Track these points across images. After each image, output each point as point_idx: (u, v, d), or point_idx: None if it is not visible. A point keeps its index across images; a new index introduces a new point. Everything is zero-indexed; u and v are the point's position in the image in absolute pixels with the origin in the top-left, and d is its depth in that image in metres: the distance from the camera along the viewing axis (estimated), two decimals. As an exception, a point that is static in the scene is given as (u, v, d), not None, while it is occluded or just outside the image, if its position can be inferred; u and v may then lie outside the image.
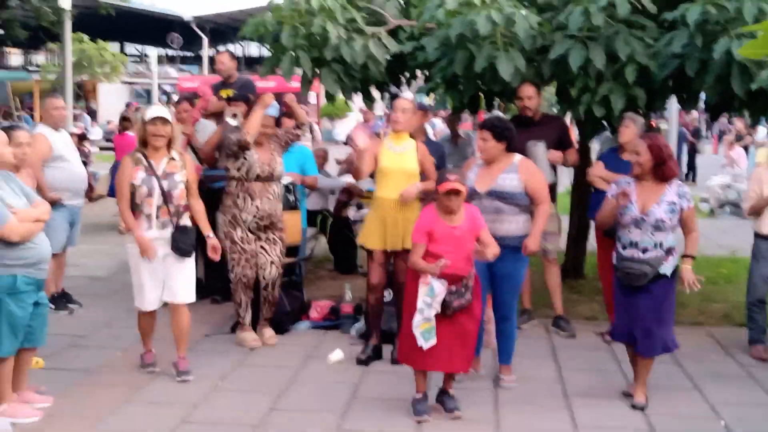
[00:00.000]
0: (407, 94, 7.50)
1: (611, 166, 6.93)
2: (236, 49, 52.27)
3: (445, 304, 5.15)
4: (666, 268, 5.45)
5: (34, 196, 5.31)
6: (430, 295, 5.14)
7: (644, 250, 5.42)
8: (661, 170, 5.45)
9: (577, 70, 6.62)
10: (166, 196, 5.85)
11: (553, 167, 7.12)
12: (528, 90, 7.03)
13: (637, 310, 5.48)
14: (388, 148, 6.39)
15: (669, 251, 5.46)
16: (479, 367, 6.03)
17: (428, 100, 10.08)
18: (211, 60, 50.91)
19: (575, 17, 6.50)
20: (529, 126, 7.00)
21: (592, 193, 7.47)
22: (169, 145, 5.93)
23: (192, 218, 6.04)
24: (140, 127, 5.92)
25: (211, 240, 6.09)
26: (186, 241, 5.88)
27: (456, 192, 5.14)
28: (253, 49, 56.68)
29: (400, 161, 6.33)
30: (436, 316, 5.17)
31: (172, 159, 5.93)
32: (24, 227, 4.98)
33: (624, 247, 5.50)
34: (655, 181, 5.48)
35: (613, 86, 6.77)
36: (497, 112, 8.07)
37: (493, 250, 5.24)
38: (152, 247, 5.79)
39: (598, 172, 7.07)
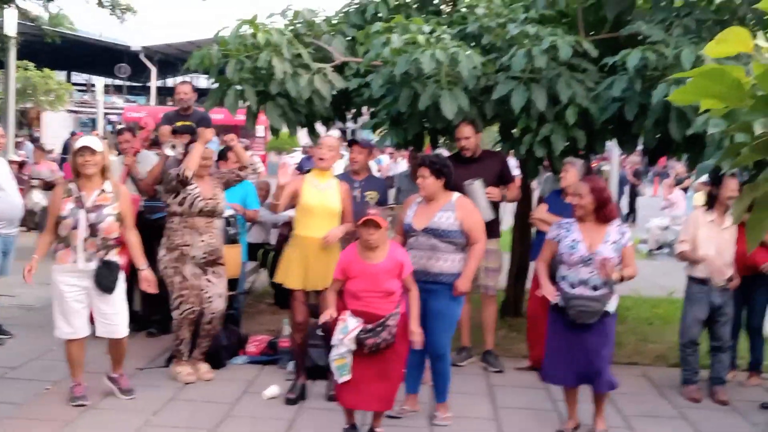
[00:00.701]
0: (334, 132, 7.53)
1: (555, 208, 7.02)
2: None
3: (358, 342, 5.15)
4: (611, 306, 5.55)
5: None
6: (344, 331, 5.17)
7: (595, 288, 5.49)
8: (602, 212, 5.56)
9: (519, 110, 6.71)
10: (93, 229, 5.76)
11: (494, 204, 7.16)
12: (465, 130, 7.09)
13: (586, 348, 5.53)
14: (311, 185, 6.37)
15: (612, 289, 5.56)
16: (416, 405, 6.01)
17: (374, 137, 10.12)
18: (159, 90, 50.68)
19: (518, 58, 6.59)
20: (468, 163, 7.07)
21: (535, 235, 7.54)
22: (104, 175, 5.85)
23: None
24: (71, 158, 5.86)
25: (144, 272, 6.02)
26: (109, 277, 5.80)
27: (373, 224, 5.16)
28: (202, 81, 56.60)
29: (323, 198, 6.33)
30: (355, 353, 5.17)
31: (103, 191, 5.85)
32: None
33: (573, 286, 5.54)
34: (597, 222, 5.58)
35: (554, 127, 6.88)
36: (442, 150, 8.11)
37: (415, 338, 5.35)
38: (32, 268, 5.75)
39: (540, 215, 7.16)
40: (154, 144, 8.52)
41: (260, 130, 30.52)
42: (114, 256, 5.87)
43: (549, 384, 6.21)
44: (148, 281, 6.03)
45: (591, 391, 5.77)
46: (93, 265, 5.78)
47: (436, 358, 5.90)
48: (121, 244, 5.92)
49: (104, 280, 5.77)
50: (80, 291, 5.84)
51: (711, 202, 6.66)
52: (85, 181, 5.84)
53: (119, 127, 12.04)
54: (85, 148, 5.81)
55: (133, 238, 6.01)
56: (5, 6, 20.86)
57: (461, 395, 6.31)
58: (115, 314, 5.91)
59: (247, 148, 22.58)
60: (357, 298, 5.23)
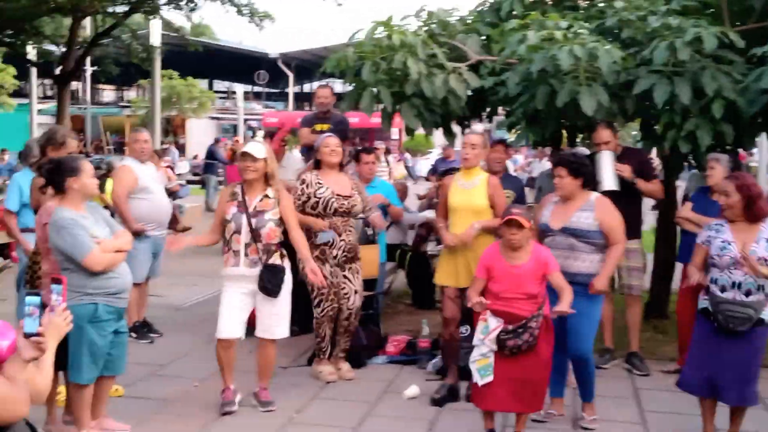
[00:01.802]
0: (477, 128, 7.46)
1: (700, 206, 6.75)
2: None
3: (499, 342, 5.07)
4: (766, 314, 5.15)
5: (117, 227, 5.42)
6: (484, 332, 5.10)
7: (747, 293, 5.11)
8: (752, 210, 5.19)
9: (662, 105, 6.49)
10: (255, 234, 5.88)
11: (636, 202, 6.98)
12: (604, 135, 6.87)
13: (731, 356, 5.17)
14: (458, 185, 6.36)
15: None
16: (562, 408, 5.91)
17: (510, 136, 10.03)
18: (296, 96, 51.80)
19: (660, 52, 6.38)
20: None
21: (681, 235, 7.29)
22: (268, 181, 5.98)
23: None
24: (238, 163, 6.04)
25: (309, 264, 6.11)
26: (273, 281, 5.87)
27: (516, 224, 5.07)
28: (338, 85, 57.53)
29: (469, 198, 6.30)
30: (495, 354, 5.09)
31: (266, 196, 5.95)
32: (106, 257, 5.07)
33: (723, 290, 5.17)
34: (747, 221, 5.22)
35: (699, 122, 6.61)
36: (582, 149, 7.93)
37: (564, 307, 5.15)
38: (179, 242, 6.08)
39: (685, 213, 6.89)
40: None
41: (394, 132, 30.77)
42: (277, 259, 5.94)
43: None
44: (314, 271, 6.10)
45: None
46: (257, 270, 5.86)
47: (578, 361, 5.77)
48: (278, 248, 5.99)
49: (268, 284, 5.85)
50: (243, 294, 5.95)
51: None
52: (248, 186, 5.97)
53: (260, 132, 12.34)
54: (247, 155, 5.93)
55: (298, 236, 6.07)
56: (151, 17, 21.80)
57: (606, 399, 6.15)
58: (277, 315, 5.99)
59: (388, 151, 22.87)
60: (499, 299, 5.16)
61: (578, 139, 8.00)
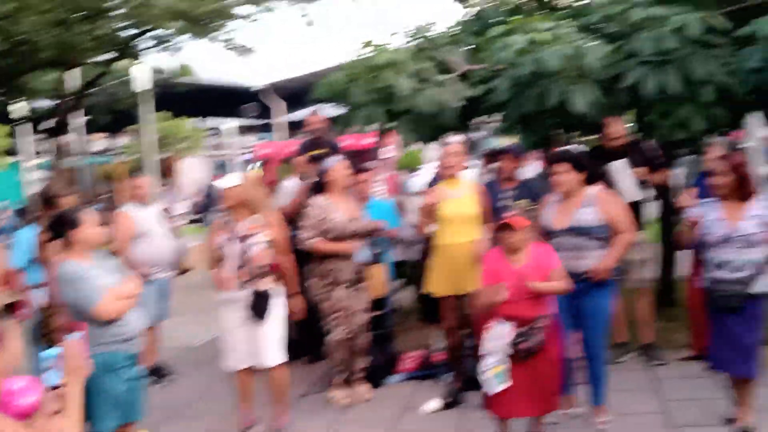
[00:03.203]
0: (455, 138, 7.45)
1: (703, 190, 6.74)
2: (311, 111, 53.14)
3: (513, 347, 5.04)
4: (760, 287, 5.24)
5: (125, 273, 5.42)
6: (496, 338, 5.06)
7: (736, 269, 5.24)
8: (743, 188, 5.32)
9: (653, 95, 6.50)
10: (244, 258, 5.91)
11: (643, 184, 6.95)
12: (617, 128, 6.88)
13: (730, 330, 5.30)
14: (447, 195, 6.35)
15: (760, 269, 5.24)
16: (575, 403, 5.88)
17: (502, 143, 10.02)
18: (291, 124, 51.87)
19: (647, 42, 6.41)
20: (614, 156, 6.87)
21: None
22: (251, 207, 6.01)
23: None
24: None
25: (292, 300, 6.11)
26: (261, 305, 5.91)
27: (508, 227, 5.06)
28: (329, 110, 57.54)
29: (459, 206, 6.29)
30: (509, 359, 5.07)
31: (254, 221, 6.01)
32: (116, 305, 5.05)
33: (717, 268, 5.32)
34: (738, 199, 5.34)
35: (692, 108, 6.62)
36: (575, 146, 7.93)
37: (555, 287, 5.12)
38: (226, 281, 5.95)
39: (686, 201, 6.87)
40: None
41: (386, 152, 30.82)
42: (267, 283, 5.98)
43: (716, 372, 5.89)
44: (295, 308, 6.12)
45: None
46: (247, 293, 5.91)
47: (590, 359, 5.74)
48: (276, 271, 6.03)
49: (255, 308, 5.90)
50: (240, 318, 5.98)
51: None
52: (235, 214, 6.05)
53: (255, 164, 12.35)
54: (227, 184, 6.06)
55: (286, 264, 6.12)
56: (136, 62, 21.89)
57: (625, 392, 6.13)
58: (268, 342, 5.99)
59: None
60: (507, 301, 5.14)
61: (572, 138, 8.00)
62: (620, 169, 6.57)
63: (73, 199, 6.78)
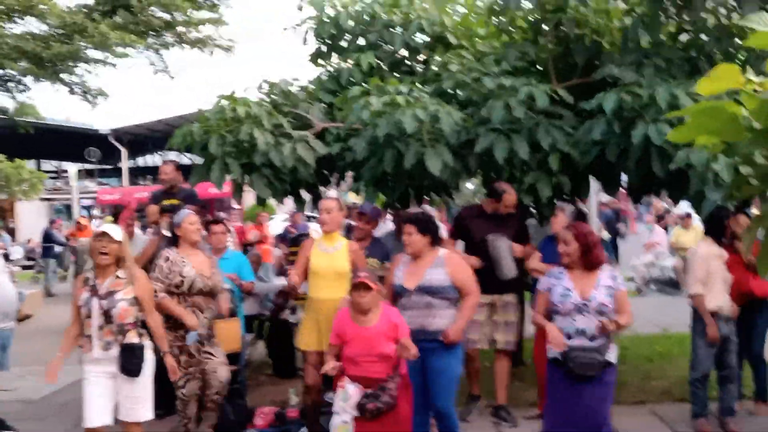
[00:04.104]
0: (331, 194, 7.56)
1: (549, 255, 7.01)
2: (155, 159, 52.30)
3: (360, 407, 5.13)
4: (612, 356, 5.30)
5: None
6: (344, 399, 5.16)
7: (592, 338, 5.23)
8: (589, 258, 5.35)
9: (502, 161, 6.79)
10: (107, 316, 5.66)
11: (516, 260, 7.16)
12: (512, 197, 7.04)
13: (587, 403, 5.24)
14: (319, 249, 6.43)
15: (610, 338, 5.31)
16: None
17: (354, 198, 10.17)
18: (131, 171, 50.69)
19: (497, 111, 6.70)
20: (492, 219, 7.13)
21: (532, 283, 7.54)
22: (119, 263, 5.78)
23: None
24: (91, 243, 5.83)
25: (168, 359, 5.94)
26: (133, 360, 5.66)
27: (363, 286, 5.17)
28: (184, 159, 56.68)
29: (332, 261, 6.38)
30: (357, 419, 5.16)
31: (117, 277, 5.73)
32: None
33: (569, 337, 5.27)
34: (585, 268, 5.37)
35: (538, 175, 6.96)
36: (427, 207, 8.16)
37: (412, 352, 5.16)
38: (55, 367, 5.65)
39: (534, 264, 7.08)
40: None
41: (235, 202, 30.59)
42: (135, 338, 5.74)
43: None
44: (171, 368, 5.96)
45: None
46: (113, 352, 5.65)
47: (440, 417, 5.83)
48: (140, 327, 5.81)
49: (128, 365, 5.63)
50: (104, 378, 5.69)
51: (717, 235, 6.71)
52: (99, 270, 5.76)
53: (97, 210, 12.01)
54: (104, 234, 5.72)
55: (153, 322, 5.89)
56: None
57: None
58: (140, 397, 5.75)
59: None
60: (354, 363, 5.22)
61: (426, 198, 8.21)
62: (502, 246, 6.87)
63: None
